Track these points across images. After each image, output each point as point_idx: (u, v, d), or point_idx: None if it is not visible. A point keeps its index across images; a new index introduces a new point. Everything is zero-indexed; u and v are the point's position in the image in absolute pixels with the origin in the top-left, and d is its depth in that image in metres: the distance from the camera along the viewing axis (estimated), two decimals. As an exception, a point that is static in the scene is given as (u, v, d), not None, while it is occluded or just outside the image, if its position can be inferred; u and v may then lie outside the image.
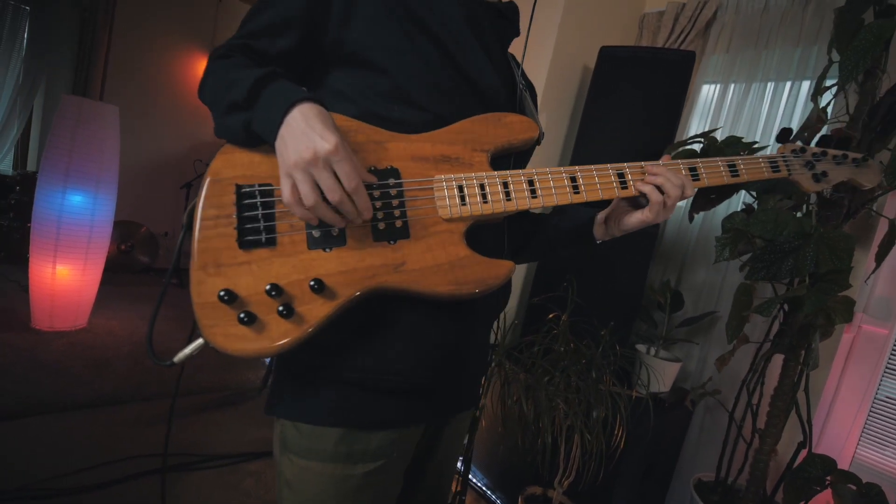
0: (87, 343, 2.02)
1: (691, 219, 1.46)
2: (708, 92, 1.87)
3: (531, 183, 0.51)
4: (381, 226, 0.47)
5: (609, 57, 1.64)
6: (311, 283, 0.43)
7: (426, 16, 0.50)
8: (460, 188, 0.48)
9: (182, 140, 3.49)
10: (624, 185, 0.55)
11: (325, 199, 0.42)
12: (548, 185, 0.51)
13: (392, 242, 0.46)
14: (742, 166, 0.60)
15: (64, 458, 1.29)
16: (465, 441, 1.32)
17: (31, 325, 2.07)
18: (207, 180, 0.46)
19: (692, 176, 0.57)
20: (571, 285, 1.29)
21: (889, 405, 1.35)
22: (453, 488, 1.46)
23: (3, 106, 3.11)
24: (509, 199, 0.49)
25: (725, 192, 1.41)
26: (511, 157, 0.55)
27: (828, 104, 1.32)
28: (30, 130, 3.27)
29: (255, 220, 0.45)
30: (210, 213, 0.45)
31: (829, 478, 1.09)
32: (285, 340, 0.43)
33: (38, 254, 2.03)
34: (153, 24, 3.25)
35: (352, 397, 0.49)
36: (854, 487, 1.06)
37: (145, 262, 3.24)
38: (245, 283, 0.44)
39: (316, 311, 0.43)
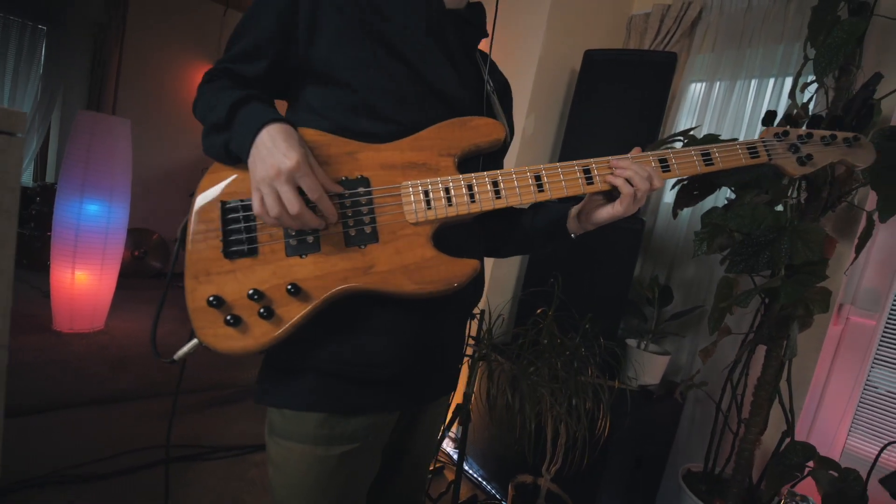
0: (104, 344, 2.10)
1: (675, 215, 1.48)
2: (695, 90, 1.88)
3: (496, 184, 0.52)
4: (352, 232, 0.50)
5: (593, 60, 1.66)
6: (288, 286, 0.47)
7: (386, 30, 0.52)
8: (426, 193, 0.51)
9: (191, 149, 3.56)
10: (590, 180, 0.54)
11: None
12: (512, 185, 0.52)
13: (362, 247, 0.49)
14: (717, 154, 0.57)
15: (83, 449, 1.35)
16: (458, 430, 1.35)
17: (52, 327, 2.15)
18: (197, 198, 0.51)
19: (663, 167, 0.56)
20: (557, 281, 1.32)
21: (877, 395, 1.36)
22: (449, 477, 1.49)
23: (23, 121, 3.22)
24: (473, 201, 0.51)
25: (707, 188, 1.43)
26: (480, 159, 0.56)
27: (809, 100, 1.34)
28: (48, 144, 3.38)
29: (239, 233, 0.50)
30: (199, 227, 0.50)
31: (809, 464, 1.10)
32: (266, 339, 0.47)
33: (58, 260, 2.10)
34: (161, 38, 3.33)
35: (331, 386, 0.52)
36: (836, 474, 1.08)
37: (157, 267, 3.32)
38: (230, 289, 0.48)
39: (293, 311, 0.47)
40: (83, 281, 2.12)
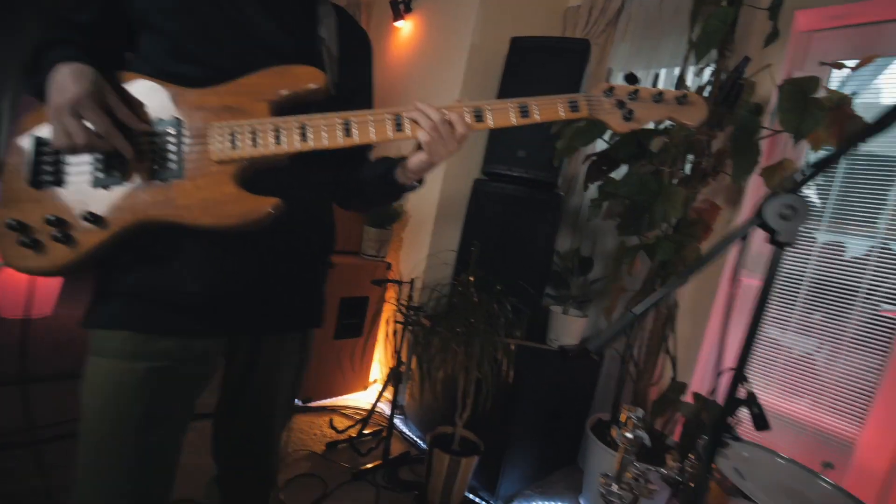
0: (50, 328, 2.07)
1: (585, 187, 1.57)
2: (620, 78, 1.97)
3: (303, 127, 0.53)
4: (156, 167, 0.51)
5: (519, 47, 1.72)
6: (86, 215, 0.50)
7: None
8: (232, 134, 0.52)
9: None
10: (399, 127, 0.55)
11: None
12: (319, 129, 0.53)
13: (166, 182, 0.51)
14: (535, 107, 0.58)
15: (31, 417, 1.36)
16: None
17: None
18: (17, 135, 0.53)
19: (477, 118, 0.57)
20: (475, 247, 1.40)
21: (765, 348, 1.51)
22: (383, 434, 1.56)
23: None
24: (279, 143, 0.52)
25: (612, 163, 1.52)
26: (310, 108, 0.55)
27: (708, 83, 1.44)
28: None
29: (48, 164, 0.52)
30: (14, 160, 0.52)
31: (683, 398, 1.22)
32: (63, 261, 0.50)
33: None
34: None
35: (139, 308, 0.54)
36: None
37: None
38: (33, 215, 0.51)
39: (91, 238, 0.50)
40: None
